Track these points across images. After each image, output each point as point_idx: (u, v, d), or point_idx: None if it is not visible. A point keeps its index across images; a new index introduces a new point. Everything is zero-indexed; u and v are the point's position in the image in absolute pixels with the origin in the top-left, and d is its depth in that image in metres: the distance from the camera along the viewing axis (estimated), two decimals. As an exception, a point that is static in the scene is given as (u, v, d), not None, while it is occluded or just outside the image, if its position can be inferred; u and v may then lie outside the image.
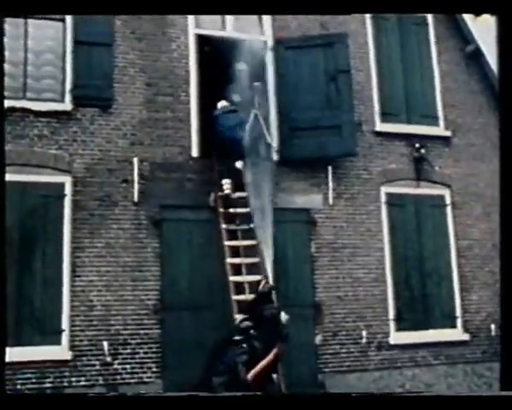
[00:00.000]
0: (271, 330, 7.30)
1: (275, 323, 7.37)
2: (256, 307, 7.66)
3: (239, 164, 9.03)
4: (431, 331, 9.99)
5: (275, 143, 9.83)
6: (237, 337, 7.19)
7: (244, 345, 7.10)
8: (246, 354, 7.04)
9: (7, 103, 8.38)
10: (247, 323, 7.32)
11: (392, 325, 9.87)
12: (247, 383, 6.85)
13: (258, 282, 8.16)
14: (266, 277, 8.16)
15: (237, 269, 8.72)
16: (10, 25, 8.88)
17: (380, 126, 10.46)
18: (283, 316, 7.42)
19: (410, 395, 6.21)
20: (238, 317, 7.49)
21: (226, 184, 9.07)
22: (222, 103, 9.44)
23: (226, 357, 7.07)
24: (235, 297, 8.39)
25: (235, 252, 8.83)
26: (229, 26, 10.04)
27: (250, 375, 6.91)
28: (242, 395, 5.32)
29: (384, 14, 10.21)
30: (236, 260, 8.74)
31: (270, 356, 7.11)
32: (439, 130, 10.79)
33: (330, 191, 9.91)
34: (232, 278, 8.55)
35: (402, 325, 9.92)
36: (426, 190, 10.50)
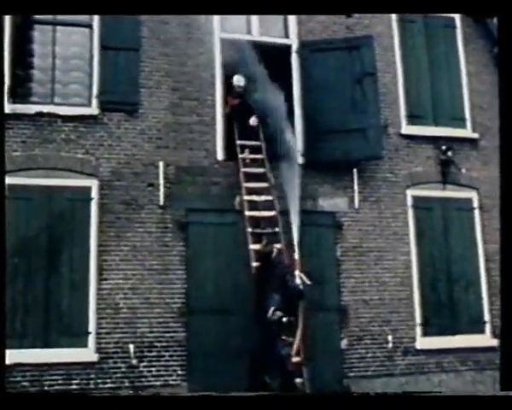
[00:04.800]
0: (286, 290, 7.67)
1: (287, 283, 7.79)
2: (264, 268, 8.00)
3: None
4: (458, 337, 9.84)
5: (300, 147, 9.83)
6: (274, 330, 7.46)
7: (284, 337, 7.46)
8: (288, 345, 7.47)
9: (35, 108, 8.86)
10: (278, 313, 7.50)
11: (418, 329, 9.78)
12: (293, 370, 7.39)
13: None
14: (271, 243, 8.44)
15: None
16: (39, 31, 9.16)
17: (406, 129, 10.39)
18: (297, 275, 7.86)
19: (410, 395, 6.70)
20: (270, 311, 7.57)
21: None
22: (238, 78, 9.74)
23: (272, 354, 7.39)
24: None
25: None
26: (254, 30, 10.10)
27: (293, 354, 7.47)
28: (262, 394, 5.77)
29: (384, 13, 10.17)
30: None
31: (300, 326, 7.61)
32: (467, 132, 10.68)
33: (356, 194, 9.87)
34: (256, 264, 8.50)
35: (429, 330, 9.81)
36: (453, 193, 10.40)
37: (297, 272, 8.07)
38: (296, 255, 8.31)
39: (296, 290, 7.82)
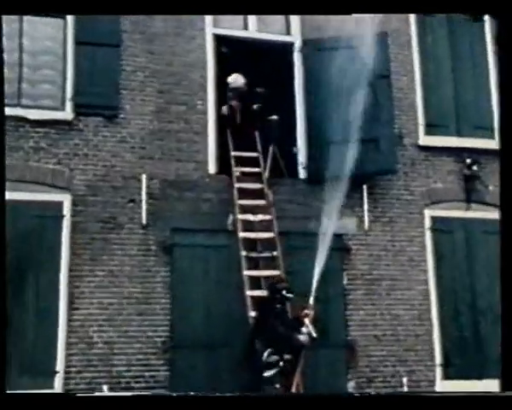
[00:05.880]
0: (283, 330, 7.25)
1: (285, 322, 7.36)
2: (267, 303, 7.59)
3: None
4: (485, 381, 9.17)
5: (303, 159, 9.55)
6: (268, 374, 7.10)
7: (277, 385, 7.12)
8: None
9: (-3, 111, 8.26)
10: (274, 357, 7.15)
11: (438, 371, 9.29)
12: None
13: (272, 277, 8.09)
14: (282, 275, 8.14)
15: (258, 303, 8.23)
16: (4, 22, 8.47)
17: (424, 140, 9.95)
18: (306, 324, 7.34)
19: (410, 395, 6.83)
20: (266, 352, 7.15)
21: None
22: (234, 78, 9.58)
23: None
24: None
25: (257, 283, 8.45)
26: (251, 26, 9.75)
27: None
28: (261, 395, 5.80)
29: (382, 13, 9.62)
30: (257, 293, 8.26)
31: (299, 369, 7.30)
32: (494, 143, 9.97)
33: (366, 214, 9.47)
34: (253, 314, 8.09)
35: (450, 372, 9.32)
36: (478, 213, 9.92)
37: (307, 321, 7.35)
38: (311, 299, 7.64)
39: (298, 343, 7.23)
